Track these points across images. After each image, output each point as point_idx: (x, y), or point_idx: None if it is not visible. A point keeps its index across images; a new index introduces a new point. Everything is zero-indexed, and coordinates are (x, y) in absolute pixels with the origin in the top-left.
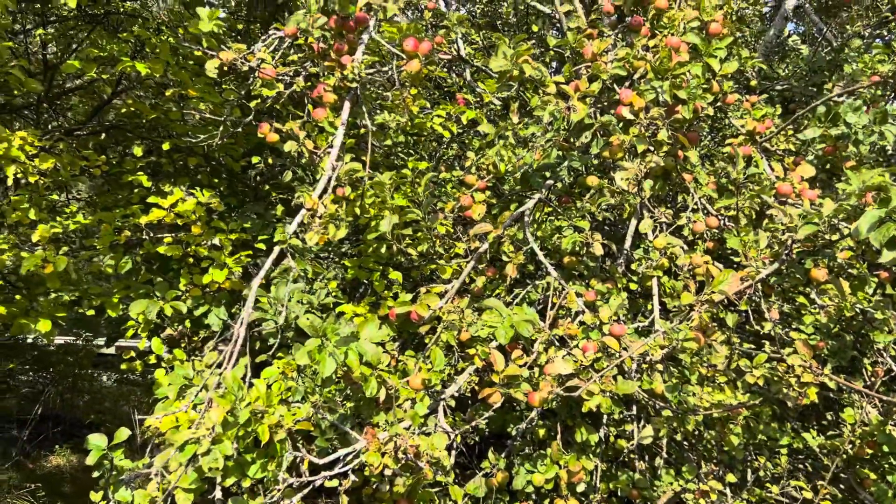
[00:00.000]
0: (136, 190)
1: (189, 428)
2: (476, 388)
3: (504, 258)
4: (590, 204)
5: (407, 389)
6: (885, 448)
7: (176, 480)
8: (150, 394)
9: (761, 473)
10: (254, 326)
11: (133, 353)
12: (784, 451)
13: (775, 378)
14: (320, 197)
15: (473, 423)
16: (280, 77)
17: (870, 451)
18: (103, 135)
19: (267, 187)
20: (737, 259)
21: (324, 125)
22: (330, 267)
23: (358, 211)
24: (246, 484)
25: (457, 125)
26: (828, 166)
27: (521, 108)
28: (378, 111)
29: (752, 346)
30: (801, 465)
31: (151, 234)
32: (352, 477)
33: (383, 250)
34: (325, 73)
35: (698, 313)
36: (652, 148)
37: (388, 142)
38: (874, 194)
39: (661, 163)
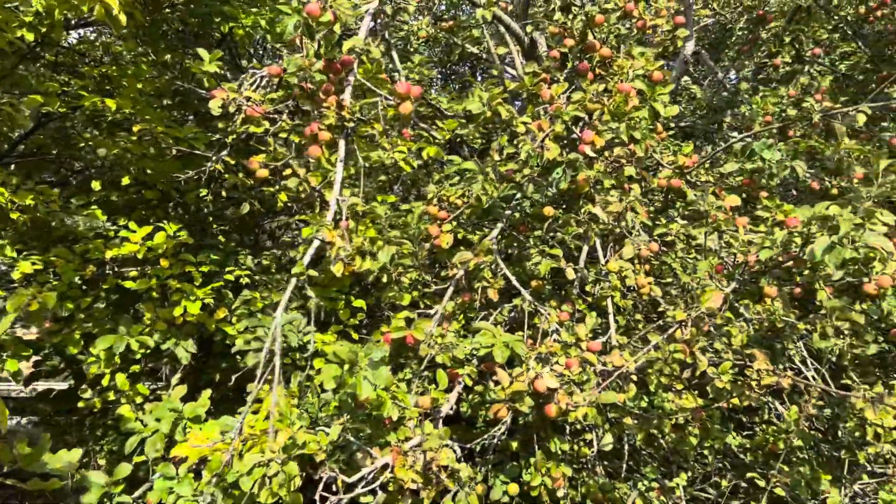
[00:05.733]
0: (83, 226)
1: (248, 452)
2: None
3: (484, 283)
4: (562, 234)
5: (412, 410)
6: (799, 443)
7: None
8: (79, 433)
9: (709, 469)
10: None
11: (89, 391)
12: (714, 450)
13: (737, 383)
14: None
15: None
16: (266, 115)
17: (782, 447)
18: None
19: (210, 220)
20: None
21: (320, 162)
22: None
23: (359, 242)
24: None
25: (416, 160)
26: (744, 195)
27: (484, 147)
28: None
29: (714, 356)
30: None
31: (115, 269)
32: (379, 492)
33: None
34: (317, 113)
35: (687, 327)
36: (613, 183)
37: (383, 177)
38: (819, 223)
39: (639, 198)
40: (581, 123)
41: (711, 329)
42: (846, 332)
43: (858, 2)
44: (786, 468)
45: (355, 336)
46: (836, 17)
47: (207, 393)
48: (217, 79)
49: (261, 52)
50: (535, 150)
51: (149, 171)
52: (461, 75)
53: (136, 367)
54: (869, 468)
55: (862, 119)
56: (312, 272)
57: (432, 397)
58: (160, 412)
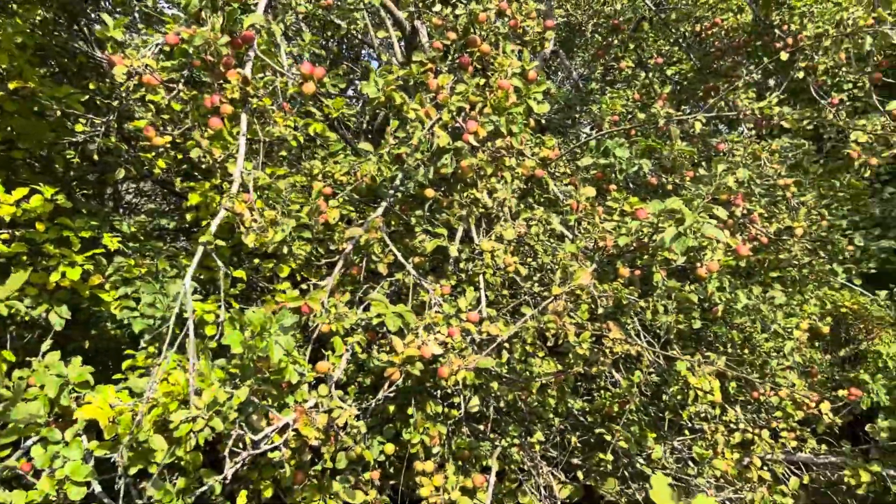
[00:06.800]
0: None
1: (177, 410)
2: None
3: (374, 258)
4: (448, 215)
5: (310, 374)
6: (631, 406)
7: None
8: None
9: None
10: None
11: None
12: (559, 413)
13: (594, 350)
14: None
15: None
16: (164, 84)
17: (617, 410)
18: None
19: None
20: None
21: (222, 134)
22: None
23: (271, 214)
24: (153, 470)
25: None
26: (596, 187)
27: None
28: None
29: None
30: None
31: None
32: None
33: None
34: (217, 86)
35: (562, 300)
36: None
37: (283, 153)
38: (666, 215)
39: (521, 186)
40: (463, 114)
41: (570, 305)
42: (673, 309)
43: (694, 21)
44: (619, 428)
45: (236, 306)
46: (674, 32)
47: (79, 360)
48: (119, 45)
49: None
50: (426, 136)
51: (16, 131)
52: (347, 57)
53: None
54: (689, 426)
55: (699, 126)
56: (220, 241)
57: (330, 362)
58: (44, 378)
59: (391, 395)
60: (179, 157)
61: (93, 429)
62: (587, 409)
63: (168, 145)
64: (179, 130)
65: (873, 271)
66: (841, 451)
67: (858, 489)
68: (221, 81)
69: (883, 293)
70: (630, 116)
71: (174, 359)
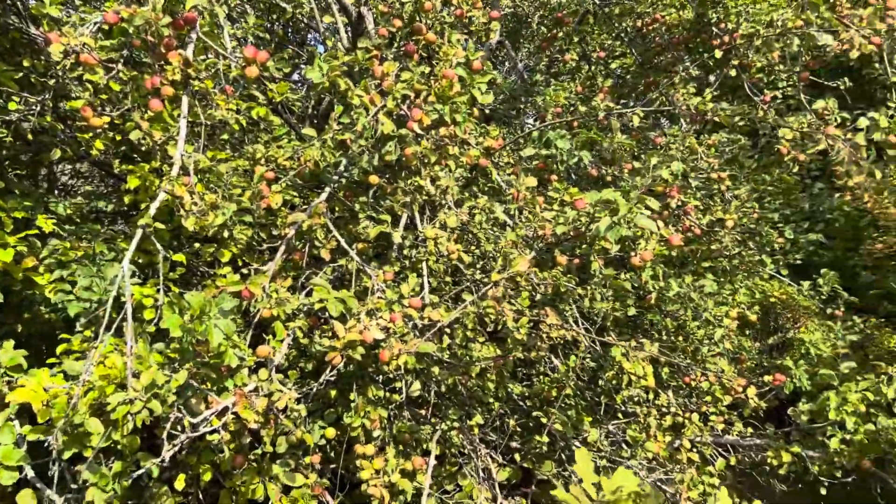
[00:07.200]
0: None
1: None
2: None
3: (317, 243)
4: (391, 202)
5: (250, 358)
6: (569, 391)
7: None
8: None
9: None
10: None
11: None
12: (498, 397)
13: (532, 335)
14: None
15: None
16: (102, 63)
17: (555, 394)
18: None
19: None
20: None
21: (162, 116)
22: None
23: (212, 198)
24: (88, 454)
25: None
26: (538, 177)
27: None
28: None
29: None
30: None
31: None
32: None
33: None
34: (158, 67)
35: (502, 286)
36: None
37: (226, 137)
38: (602, 205)
39: (462, 174)
40: (408, 102)
41: (509, 292)
42: (610, 297)
43: (636, 16)
44: (555, 412)
45: (176, 290)
46: (617, 26)
47: (11, 343)
48: (55, 22)
49: None
50: (371, 123)
51: None
52: (293, 41)
53: None
54: (623, 410)
55: (637, 120)
56: (158, 224)
57: (271, 346)
58: None
59: (333, 379)
60: (118, 138)
61: (26, 413)
62: (526, 394)
63: (106, 126)
64: (118, 111)
65: (799, 262)
66: (765, 434)
67: (780, 469)
68: (162, 63)
69: (807, 283)
70: (573, 109)
71: (111, 342)
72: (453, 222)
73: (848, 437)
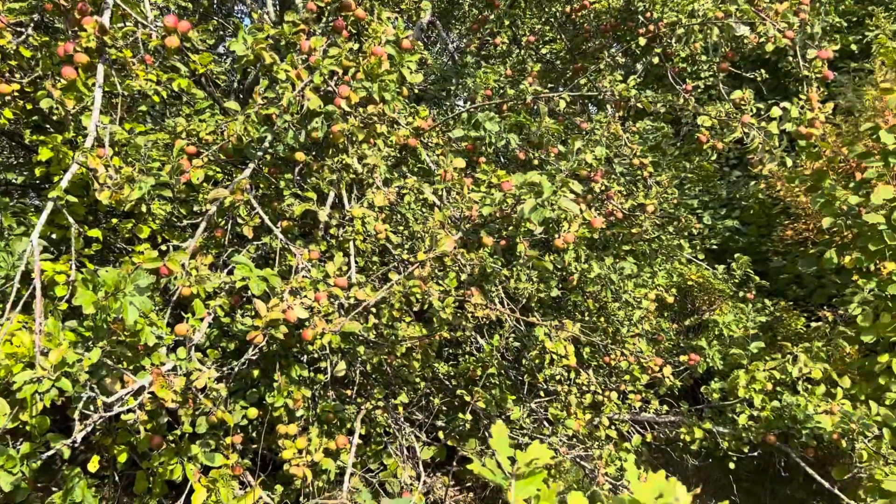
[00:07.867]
0: None
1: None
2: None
3: (239, 221)
4: (318, 179)
5: (168, 337)
6: (493, 370)
7: None
8: None
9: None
10: None
11: None
12: (424, 376)
13: (457, 315)
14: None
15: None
16: (11, 27)
17: (480, 373)
18: None
19: None
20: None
21: (76, 84)
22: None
23: (128, 171)
24: None
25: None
26: (467, 159)
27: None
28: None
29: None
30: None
31: None
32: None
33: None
34: (71, 33)
35: (429, 265)
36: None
37: (145, 109)
38: (527, 187)
39: (391, 153)
40: (336, 78)
41: (436, 272)
42: (534, 278)
43: (566, 1)
44: (479, 390)
45: (91, 266)
46: (547, 11)
47: None
48: None
49: None
50: (297, 98)
51: None
52: (218, 12)
53: None
54: (545, 388)
55: (563, 104)
56: (72, 197)
57: (190, 325)
58: None
59: (255, 359)
60: (29, 107)
61: None
62: (452, 373)
63: (16, 94)
64: (29, 78)
65: (716, 247)
66: (680, 411)
67: (693, 445)
68: (76, 28)
69: (721, 268)
70: (502, 92)
71: (19, 320)
72: (381, 202)
73: (755, 413)
